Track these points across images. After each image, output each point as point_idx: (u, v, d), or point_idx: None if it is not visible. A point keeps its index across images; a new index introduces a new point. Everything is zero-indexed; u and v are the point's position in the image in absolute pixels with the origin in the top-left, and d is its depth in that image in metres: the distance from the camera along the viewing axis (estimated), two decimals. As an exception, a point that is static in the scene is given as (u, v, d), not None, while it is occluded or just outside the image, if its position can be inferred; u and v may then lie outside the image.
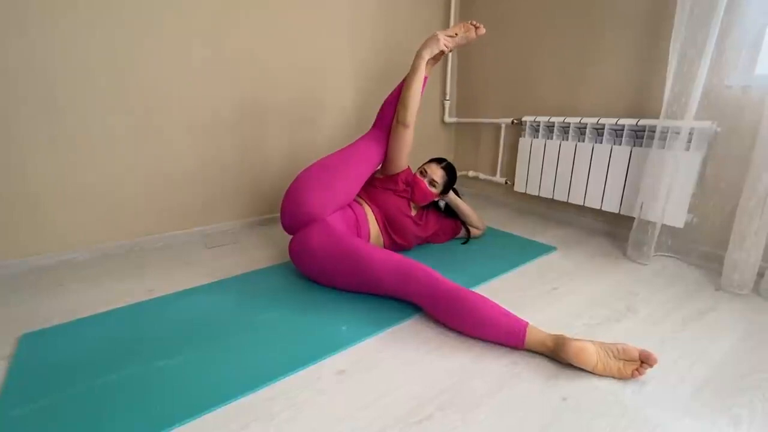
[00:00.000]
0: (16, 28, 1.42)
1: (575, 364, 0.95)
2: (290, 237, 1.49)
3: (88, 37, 1.54)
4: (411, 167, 1.71)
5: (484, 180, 2.59)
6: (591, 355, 0.93)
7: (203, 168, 1.91)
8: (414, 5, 2.36)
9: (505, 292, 1.37)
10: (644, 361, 0.92)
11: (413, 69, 1.53)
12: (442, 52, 1.57)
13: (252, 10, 1.86)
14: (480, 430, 0.81)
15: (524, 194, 2.27)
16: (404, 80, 1.57)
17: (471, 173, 2.67)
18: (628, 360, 0.93)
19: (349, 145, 1.57)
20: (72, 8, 1.49)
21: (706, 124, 1.46)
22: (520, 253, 1.70)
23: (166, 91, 1.74)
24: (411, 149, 1.62)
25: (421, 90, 1.54)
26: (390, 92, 1.63)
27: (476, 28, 1.61)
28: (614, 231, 1.90)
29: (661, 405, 0.86)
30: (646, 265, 1.57)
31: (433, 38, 1.54)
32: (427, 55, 1.53)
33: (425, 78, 1.58)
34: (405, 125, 1.53)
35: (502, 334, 1.04)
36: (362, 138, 1.59)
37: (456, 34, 1.59)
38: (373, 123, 1.64)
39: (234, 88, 1.90)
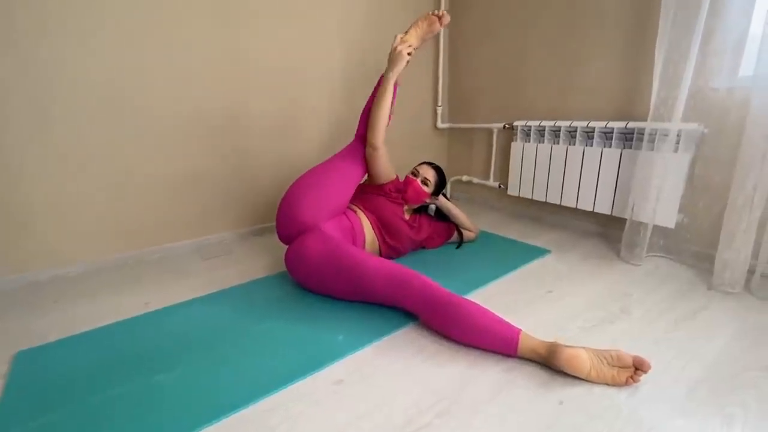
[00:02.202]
0: (6, 39, 1.42)
1: (568, 372, 0.95)
2: (285, 246, 1.49)
3: (79, 49, 1.54)
4: (402, 174, 1.73)
5: (478, 184, 2.61)
6: (584, 362, 0.93)
7: (197, 179, 1.92)
8: (403, 13, 2.38)
9: (500, 296, 1.38)
10: (638, 367, 0.92)
11: (381, 91, 1.51)
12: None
13: (242, 20, 1.87)
14: (478, 436, 0.81)
15: (518, 197, 2.29)
16: (375, 92, 1.56)
17: (465, 178, 2.68)
18: (622, 367, 0.93)
19: (335, 156, 1.60)
20: (61, 20, 1.49)
21: (694, 125, 1.48)
22: (514, 256, 1.71)
23: (157, 102, 1.74)
24: (391, 160, 1.62)
25: (387, 106, 1.52)
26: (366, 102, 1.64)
27: (440, 17, 1.54)
28: (607, 232, 1.92)
29: (656, 406, 0.87)
30: (640, 265, 1.59)
31: (397, 56, 1.50)
32: (394, 77, 1.52)
33: (395, 87, 1.58)
34: (374, 147, 1.53)
35: (496, 342, 1.04)
36: (345, 149, 1.61)
37: (416, 31, 1.56)
38: (355, 132, 1.65)
39: (225, 98, 1.91)
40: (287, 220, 1.43)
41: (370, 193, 1.66)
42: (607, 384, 0.93)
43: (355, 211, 1.58)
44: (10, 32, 1.42)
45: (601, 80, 1.84)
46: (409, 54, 1.52)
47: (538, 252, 1.76)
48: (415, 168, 1.75)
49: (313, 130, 2.22)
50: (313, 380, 0.99)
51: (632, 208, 1.62)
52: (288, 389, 0.96)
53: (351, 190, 1.55)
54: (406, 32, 1.56)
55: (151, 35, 1.67)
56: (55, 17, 1.48)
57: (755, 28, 1.35)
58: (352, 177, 1.55)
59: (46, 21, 1.47)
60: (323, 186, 1.46)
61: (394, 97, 1.59)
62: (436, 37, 2.55)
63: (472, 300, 1.13)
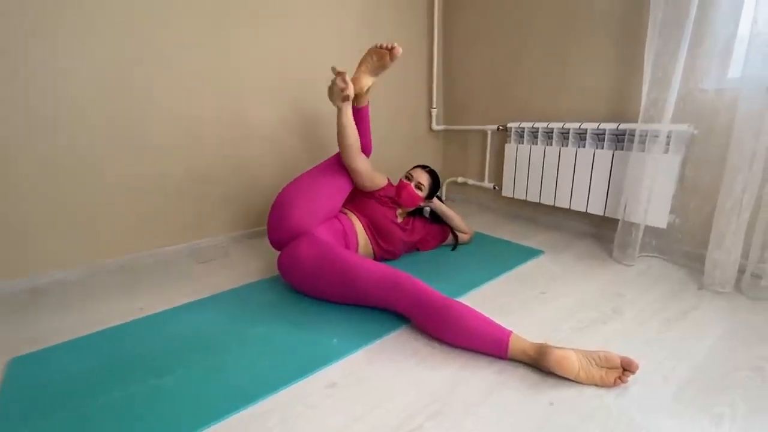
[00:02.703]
0: (4, 43, 1.42)
1: (557, 373, 0.96)
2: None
3: (74, 54, 1.54)
4: (396, 177, 1.73)
5: (473, 185, 2.63)
6: (573, 363, 0.94)
7: (193, 182, 1.92)
8: (398, 20, 2.40)
9: (494, 297, 1.39)
10: (626, 368, 0.93)
11: (337, 120, 1.51)
12: (359, 88, 1.56)
13: (240, 25, 1.88)
14: (470, 438, 0.82)
15: (512, 199, 2.30)
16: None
17: (460, 179, 2.70)
18: (611, 368, 0.94)
19: (327, 160, 1.62)
20: (61, 26, 1.50)
21: (683, 126, 1.49)
22: (508, 257, 1.72)
23: (154, 106, 1.74)
24: (385, 163, 1.64)
25: (349, 133, 1.50)
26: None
27: (390, 50, 1.50)
28: (600, 233, 1.93)
29: (646, 406, 0.88)
30: (632, 266, 1.60)
31: (328, 91, 1.51)
32: (337, 104, 1.50)
33: (366, 107, 1.64)
34: (350, 169, 1.56)
35: (487, 344, 1.05)
36: (338, 154, 1.61)
37: (366, 66, 1.58)
38: None
39: (221, 102, 1.91)
40: (279, 225, 1.43)
41: (361, 196, 1.67)
42: (596, 385, 0.94)
43: (347, 215, 1.59)
44: (8, 37, 1.43)
45: (593, 82, 1.86)
46: (343, 86, 1.45)
47: (532, 253, 1.77)
48: (408, 172, 1.75)
49: (311, 133, 2.22)
50: (309, 383, 1.00)
51: (624, 209, 1.63)
52: (284, 392, 0.97)
53: (343, 194, 1.56)
54: (359, 65, 1.58)
55: (148, 37, 1.67)
56: (53, 20, 1.48)
57: (743, 30, 1.36)
58: (343, 181, 1.57)
59: (44, 24, 1.47)
60: (315, 190, 1.47)
61: (366, 118, 1.65)
62: (432, 39, 2.56)
63: (466, 302, 1.14)
